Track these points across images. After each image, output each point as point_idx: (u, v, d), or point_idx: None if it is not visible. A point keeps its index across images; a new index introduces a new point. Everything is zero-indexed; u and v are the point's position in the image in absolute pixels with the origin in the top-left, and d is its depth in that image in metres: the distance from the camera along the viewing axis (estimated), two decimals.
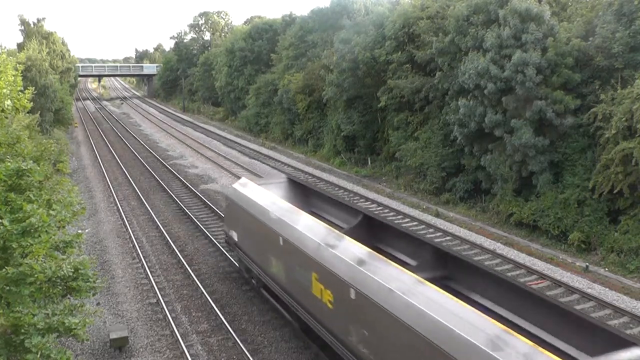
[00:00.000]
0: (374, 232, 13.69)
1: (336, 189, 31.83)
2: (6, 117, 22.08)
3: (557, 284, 18.22)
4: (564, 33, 24.04)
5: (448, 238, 22.83)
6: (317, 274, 12.04)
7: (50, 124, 48.04)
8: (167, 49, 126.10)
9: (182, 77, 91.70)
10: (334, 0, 46.69)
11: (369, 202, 28.64)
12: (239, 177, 34.92)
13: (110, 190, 32.00)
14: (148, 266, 20.10)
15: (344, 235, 12.17)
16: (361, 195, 29.92)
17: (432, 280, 9.67)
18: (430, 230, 23.93)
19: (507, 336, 7.84)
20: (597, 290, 17.87)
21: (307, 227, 13.12)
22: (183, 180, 34.30)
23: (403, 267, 10.43)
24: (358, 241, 11.65)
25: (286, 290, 14.08)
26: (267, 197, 15.79)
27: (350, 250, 11.33)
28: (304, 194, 17.62)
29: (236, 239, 17.56)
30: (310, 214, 14.51)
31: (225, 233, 19.24)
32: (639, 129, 19.65)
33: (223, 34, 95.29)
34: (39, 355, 9.26)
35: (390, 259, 10.79)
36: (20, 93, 25.15)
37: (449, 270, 11.15)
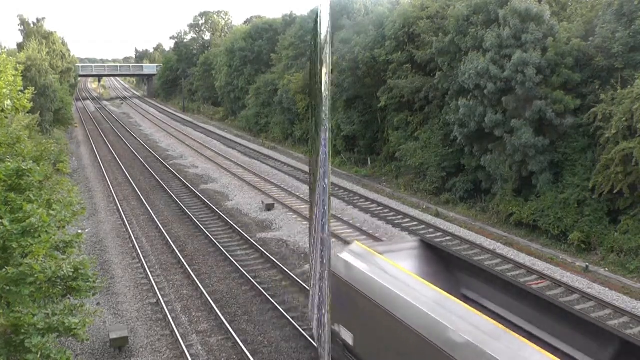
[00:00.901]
0: None
1: (338, 190, 31.84)
2: (6, 117, 22.07)
3: (557, 284, 18.23)
4: (564, 33, 24.05)
5: (448, 238, 22.85)
6: None
7: (50, 124, 48.06)
8: (167, 49, 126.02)
9: (182, 77, 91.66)
10: (334, 0, 46.69)
11: (369, 202, 28.66)
12: (238, 178, 35.13)
13: (110, 190, 31.99)
14: (148, 266, 20.10)
15: None
16: (361, 195, 29.93)
17: None
18: (431, 230, 23.96)
19: None
20: (597, 290, 17.88)
21: None
22: (183, 180, 34.31)
23: None
24: None
25: None
26: (418, 285, 10.49)
27: None
28: (450, 268, 12.44)
29: (350, 342, 11.91)
30: (462, 301, 9.94)
31: None
32: (639, 129, 19.67)
33: (223, 34, 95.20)
34: (39, 355, 9.27)
35: None
36: (20, 93, 25.11)
37: None
